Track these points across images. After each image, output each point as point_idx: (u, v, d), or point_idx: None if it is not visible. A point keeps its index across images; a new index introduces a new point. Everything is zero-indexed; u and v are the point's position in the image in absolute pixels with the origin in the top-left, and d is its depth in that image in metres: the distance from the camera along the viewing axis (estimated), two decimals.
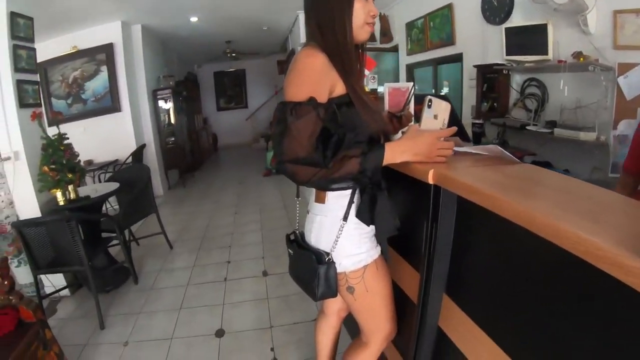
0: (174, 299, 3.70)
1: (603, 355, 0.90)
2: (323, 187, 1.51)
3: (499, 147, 1.49)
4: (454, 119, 1.64)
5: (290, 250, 1.73)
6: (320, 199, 1.58)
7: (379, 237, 1.65)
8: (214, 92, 15.02)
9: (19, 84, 3.66)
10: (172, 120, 8.41)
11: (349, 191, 1.52)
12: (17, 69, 3.65)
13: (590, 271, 0.79)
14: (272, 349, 2.87)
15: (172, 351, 2.95)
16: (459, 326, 1.47)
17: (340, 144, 1.42)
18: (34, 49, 3.92)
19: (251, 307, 3.45)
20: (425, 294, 1.57)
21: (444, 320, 1.57)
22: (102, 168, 6.46)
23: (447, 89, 6.26)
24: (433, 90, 6.48)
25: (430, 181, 1.38)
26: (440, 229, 1.47)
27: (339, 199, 1.54)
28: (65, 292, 3.90)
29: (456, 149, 1.53)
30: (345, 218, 1.53)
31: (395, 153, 1.43)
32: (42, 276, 3.59)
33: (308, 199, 1.70)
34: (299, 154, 1.34)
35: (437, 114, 1.46)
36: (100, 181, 6.16)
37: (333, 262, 1.55)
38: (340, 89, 1.45)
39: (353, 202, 1.53)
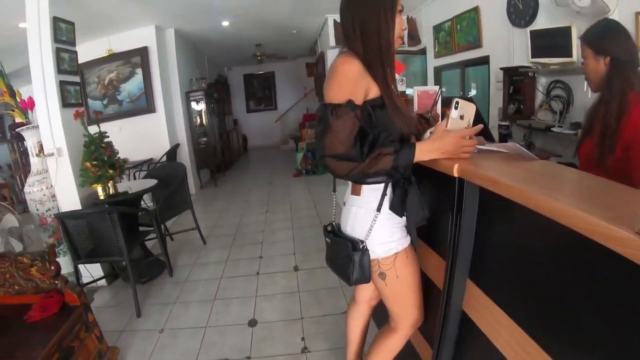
0: (208, 290, 3.84)
1: (615, 329, 0.98)
2: (359, 180, 1.63)
3: (518, 145, 1.58)
4: (479, 119, 1.72)
5: (327, 239, 1.85)
6: (356, 192, 1.71)
7: (409, 226, 1.76)
8: (244, 94, 15.26)
9: (62, 85, 3.87)
10: (204, 121, 8.62)
11: (382, 185, 1.64)
12: (60, 70, 3.87)
13: (603, 253, 0.87)
14: (302, 339, 2.98)
15: (207, 338, 3.09)
16: (481, 309, 1.55)
17: (375, 142, 1.57)
18: (75, 52, 4.14)
19: (282, 300, 3.57)
20: (451, 279, 1.66)
21: (468, 303, 1.66)
22: (137, 166, 6.69)
23: (475, 91, 6.26)
24: (460, 93, 6.49)
25: (455, 174, 1.48)
26: (464, 219, 1.56)
27: (373, 192, 1.66)
28: (102, 282, 4.11)
29: (479, 147, 1.63)
30: (378, 209, 1.65)
31: (424, 151, 1.54)
32: (81, 267, 3.75)
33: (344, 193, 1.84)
34: (338, 150, 1.50)
35: (463, 114, 1.56)
36: (135, 179, 6.38)
37: (367, 250, 1.68)
38: (374, 92, 1.57)
39: (386, 194, 1.65)
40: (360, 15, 1.55)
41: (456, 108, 1.55)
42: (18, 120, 4.10)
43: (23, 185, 7.99)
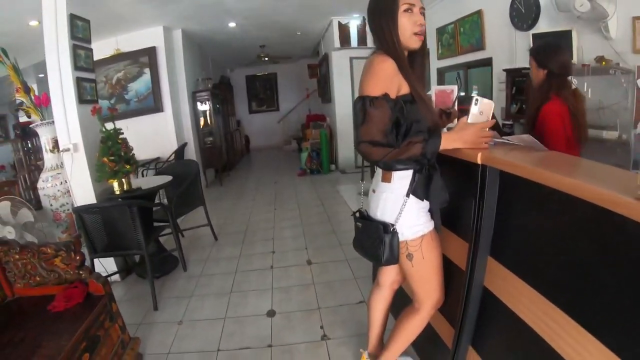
0: (224, 284, 3.89)
1: (624, 284, 1.12)
2: (390, 166, 1.72)
3: (531, 137, 1.79)
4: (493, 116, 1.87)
5: (358, 224, 1.97)
6: (386, 179, 1.84)
7: (433, 209, 1.88)
8: (246, 95, 15.36)
9: (79, 82, 3.91)
10: (210, 121, 8.68)
11: (411, 173, 1.77)
12: (76, 67, 3.91)
13: (608, 220, 1.09)
14: (321, 327, 3.04)
15: (226, 328, 3.13)
16: (502, 282, 1.69)
17: (408, 131, 1.72)
18: (91, 49, 4.18)
19: (298, 291, 3.62)
20: (474, 258, 1.79)
21: (489, 279, 1.79)
22: (144, 165, 6.71)
23: (476, 92, 6.34)
24: (462, 93, 6.57)
25: (479, 162, 1.64)
26: (486, 201, 1.70)
27: (402, 180, 1.80)
28: (116, 277, 4.14)
29: (495, 140, 1.83)
30: (407, 194, 1.78)
31: (449, 141, 1.70)
32: (95, 262, 3.77)
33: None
34: (376, 137, 1.65)
35: (483, 110, 1.71)
36: (143, 177, 6.41)
37: (396, 232, 1.81)
38: (405, 89, 1.73)
39: (414, 181, 1.77)
40: (373, 23, 1.78)
41: (476, 104, 1.70)
42: (24, 120, 4.15)
43: (27, 185, 8.06)
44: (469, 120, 1.71)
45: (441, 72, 7.34)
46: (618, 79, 3.58)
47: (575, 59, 3.93)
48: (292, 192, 7.78)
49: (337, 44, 8.24)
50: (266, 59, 11.43)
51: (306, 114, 13.68)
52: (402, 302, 2.20)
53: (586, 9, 3.58)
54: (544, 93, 2.59)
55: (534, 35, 4.34)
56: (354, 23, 8.15)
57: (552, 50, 2.67)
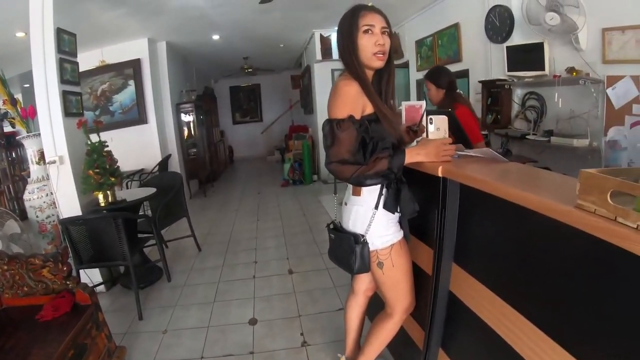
0: (207, 293, 3.97)
1: (569, 290, 1.26)
2: (360, 182, 1.84)
3: (490, 150, 1.94)
4: (457, 127, 2.02)
5: (331, 235, 2.11)
6: (356, 193, 1.97)
7: (402, 219, 2.03)
8: (230, 106, 15.48)
9: (65, 95, 4.00)
10: (193, 133, 8.77)
11: (379, 187, 1.90)
12: (62, 80, 3.99)
13: (553, 227, 1.20)
14: (301, 334, 3.14)
15: (210, 336, 3.22)
16: (466, 286, 1.83)
17: (374, 149, 1.84)
18: (77, 63, 4.27)
19: (280, 300, 3.72)
20: (438, 264, 1.95)
21: (454, 284, 1.94)
22: (129, 176, 6.76)
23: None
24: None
25: (440, 175, 1.79)
26: (448, 211, 1.87)
27: (371, 193, 1.92)
28: (101, 288, 4.19)
29: (458, 152, 1.97)
30: (376, 207, 1.92)
31: (412, 155, 1.84)
32: (81, 272, 3.81)
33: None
34: (344, 156, 1.78)
35: (439, 127, 1.88)
36: (128, 188, 6.46)
37: (367, 242, 1.93)
38: (369, 109, 1.85)
39: (382, 194, 1.91)
40: (338, 45, 1.91)
41: (431, 123, 1.87)
42: (9, 129, 4.19)
43: (11, 195, 8.03)
44: (429, 137, 1.88)
45: (420, 84, 7.49)
46: (588, 88, 3.73)
47: (547, 71, 4.10)
48: (275, 202, 7.87)
49: (318, 56, 8.39)
50: (250, 70, 11.55)
51: (289, 125, 13.80)
52: (378, 307, 2.32)
53: (556, 22, 3.77)
54: (448, 105, 3.27)
55: (508, 48, 4.51)
56: (335, 36, 8.21)
57: (444, 73, 3.55)
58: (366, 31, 1.79)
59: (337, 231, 2.06)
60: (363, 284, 2.37)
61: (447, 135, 1.97)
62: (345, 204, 2.06)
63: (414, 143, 2.00)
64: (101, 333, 2.72)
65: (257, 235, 5.78)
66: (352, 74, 1.83)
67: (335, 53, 8.46)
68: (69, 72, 4.09)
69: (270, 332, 3.21)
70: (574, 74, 3.77)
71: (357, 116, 1.80)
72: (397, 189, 1.88)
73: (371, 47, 1.80)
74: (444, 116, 1.88)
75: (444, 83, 3.44)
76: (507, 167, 1.81)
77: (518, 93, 4.79)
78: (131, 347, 3.13)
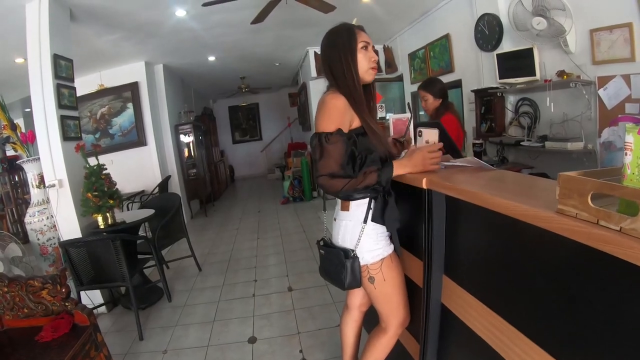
0: (207, 313, 3.98)
1: (557, 298, 1.23)
2: (349, 195, 1.87)
3: (476, 159, 1.97)
4: (445, 139, 2.06)
5: (321, 251, 2.13)
6: (345, 208, 1.99)
7: (389, 231, 2.03)
8: (230, 125, 15.60)
9: (63, 119, 4.05)
10: (193, 153, 8.82)
11: (367, 201, 1.92)
12: (60, 105, 4.05)
13: (542, 235, 1.16)
14: (300, 351, 3.14)
15: (209, 356, 3.22)
16: (456, 298, 1.81)
17: (363, 162, 1.87)
18: (74, 88, 4.34)
19: (279, 318, 3.72)
20: (429, 277, 1.93)
21: (445, 296, 1.92)
22: (129, 198, 6.80)
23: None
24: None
25: (424, 187, 1.78)
26: (434, 223, 1.86)
27: (359, 207, 1.94)
28: (102, 309, 4.22)
29: (445, 163, 1.98)
30: (365, 221, 1.93)
31: (400, 167, 1.86)
32: (82, 294, 3.87)
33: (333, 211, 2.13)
34: (333, 169, 1.79)
35: (428, 139, 1.90)
36: (128, 210, 6.49)
37: (357, 257, 1.94)
38: (356, 122, 1.89)
39: (370, 208, 1.93)
40: (329, 62, 1.92)
41: (420, 135, 1.90)
42: (11, 153, 4.24)
43: (15, 219, 8.08)
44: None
45: (415, 96, 7.54)
46: (580, 91, 3.76)
47: (538, 76, 4.14)
48: (275, 220, 7.88)
49: (313, 73, 8.44)
50: (247, 89, 11.65)
51: (288, 142, 13.87)
52: (377, 318, 2.27)
53: (543, 26, 3.82)
54: (440, 114, 3.57)
55: (499, 56, 4.57)
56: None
57: (438, 81, 3.79)
58: (363, 47, 1.89)
59: (327, 247, 2.08)
60: (357, 299, 2.38)
61: None
62: (335, 219, 2.08)
63: (403, 154, 2.02)
64: (100, 353, 2.72)
65: (257, 253, 5.79)
66: (342, 89, 1.86)
67: None
68: (66, 97, 4.15)
69: (270, 350, 3.21)
70: (565, 77, 3.81)
71: (345, 130, 1.83)
72: (384, 200, 1.91)
73: (367, 62, 1.90)
74: (435, 130, 1.90)
75: (440, 92, 3.65)
76: (494, 175, 1.81)
77: (511, 100, 4.84)
78: None
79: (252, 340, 3.39)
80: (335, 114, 1.82)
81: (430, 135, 1.89)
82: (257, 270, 5.05)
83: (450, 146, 2.23)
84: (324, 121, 1.83)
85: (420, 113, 6.97)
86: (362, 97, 1.90)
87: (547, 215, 1.10)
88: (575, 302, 1.16)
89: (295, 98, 13.47)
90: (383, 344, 2.16)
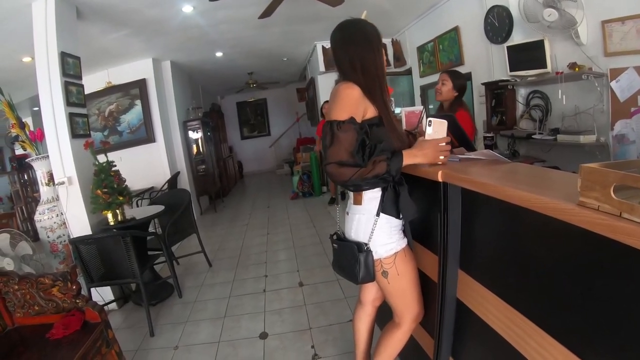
0: (218, 309, 3.98)
1: (576, 293, 1.20)
2: (358, 185, 1.85)
3: (491, 151, 1.94)
4: (457, 130, 2.03)
5: (335, 245, 2.09)
6: (357, 202, 1.96)
7: (404, 222, 2.02)
8: (238, 121, 15.60)
9: (71, 117, 4.05)
10: (202, 149, 8.83)
11: (379, 194, 1.90)
12: (69, 103, 4.06)
13: (562, 228, 1.13)
14: (312, 347, 3.13)
15: (221, 352, 3.22)
16: (472, 293, 1.78)
17: (373, 151, 1.84)
18: (82, 85, 4.33)
19: (290, 313, 3.71)
20: (444, 271, 1.90)
21: (461, 291, 1.89)
22: (138, 195, 6.82)
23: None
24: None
25: (440, 179, 1.75)
26: (450, 216, 1.82)
27: (372, 201, 1.91)
28: (113, 305, 4.23)
29: (460, 156, 1.97)
30: (377, 214, 1.90)
31: (409, 157, 1.84)
32: (93, 291, 3.87)
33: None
34: (343, 157, 1.78)
35: (437, 130, 1.85)
36: (138, 207, 6.50)
37: (370, 251, 1.92)
38: (370, 113, 1.87)
39: (383, 201, 1.90)
40: (358, 55, 1.88)
41: (429, 125, 1.84)
42: (20, 152, 4.25)
43: (24, 217, 8.13)
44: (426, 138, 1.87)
45: (424, 89, 7.52)
46: (592, 83, 3.69)
47: (549, 68, 4.08)
48: (285, 215, 7.87)
49: (322, 67, 8.42)
50: (255, 85, 11.63)
51: (297, 137, 13.86)
52: (389, 314, 2.26)
53: (554, 18, 3.74)
54: (454, 109, 3.42)
55: (509, 48, 4.50)
56: None
57: (464, 77, 3.67)
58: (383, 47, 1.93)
59: (341, 241, 2.06)
60: (370, 294, 2.35)
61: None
62: (347, 213, 2.06)
63: None
64: (112, 350, 2.72)
65: (267, 248, 5.79)
66: (365, 80, 1.86)
67: None
68: (74, 95, 4.15)
69: (281, 346, 3.20)
70: (577, 69, 3.74)
71: (358, 119, 1.82)
72: (395, 191, 1.89)
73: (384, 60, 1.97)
74: (444, 120, 1.86)
75: (460, 86, 3.53)
76: (509, 167, 1.77)
77: (522, 93, 4.77)
78: None
79: (264, 336, 3.38)
80: (348, 103, 1.81)
81: (439, 125, 1.85)
82: (267, 266, 5.04)
83: (464, 140, 2.21)
84: (337, 109, 1.82)
85: (430, 106, 6.94)
86: (386, 88, 1.94)
87: (569, 207, 1.07)
88: (595, 296, 1.13)
89: (303, 93, 13.43)
90: (396, 339, 2.14)
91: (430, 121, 1.82)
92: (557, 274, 1.28)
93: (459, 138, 2.17)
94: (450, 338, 2.02)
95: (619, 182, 0.96)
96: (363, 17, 1.97)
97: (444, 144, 1.83)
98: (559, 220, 1.11)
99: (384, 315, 2.43)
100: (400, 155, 1.82)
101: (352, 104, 1.81)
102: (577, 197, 1.07)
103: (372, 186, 1.86)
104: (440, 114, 3.46)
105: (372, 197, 1.91)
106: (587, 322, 1.16)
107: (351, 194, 2.01)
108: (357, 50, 1.88)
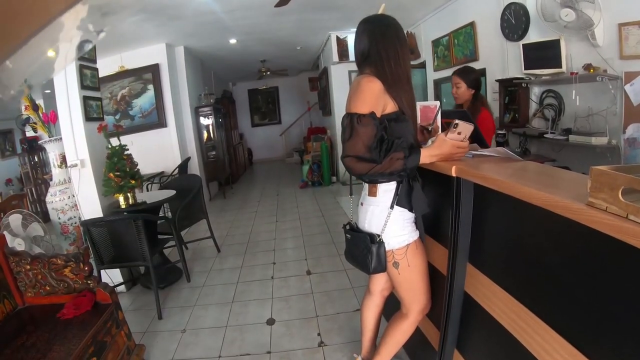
0: (226, 294, 4.02)
1: (582, 290, 1.23)
2: (374, 179, 1.88)
3: (504, 149, 1.95)
4: (475, 130, 2.03)
5: (348, 235, 2.13)
6: (372, 193, 1.99)
7: (416, 216, 2.03)
8: (249, 108, 15.59)
9: (85, 100, 4.07)
10: (213, 136, 8.84)
11: (394, 187, 1.92)
12: (83, 86, 4.07)
13: (571, 227, 1.15)
14: (318, 334, 3.16)
15: (228, 336, 3.26)
16: (480, 287, 1.81)
17: (391, 147, 1.85)
18: (96, 69, 4.35)
19: (297, 301, 3.74)
20: (453, 264, 1.93)
21: (469, 284, 1.92)
22: (149, 179, 6.86)
23: None
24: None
25: (453, 174, 1.79)
26: (462, 211, 1.85)
27: (386, 193, 1.94)
28: (122, 288, 4.27)
29: (474, 152, 1.99)
30: (391, 206, 1.92)
31: (427, 156, 1.85)
32: (102, 273, 3.89)
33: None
34: (360, 151, 1.80)
35: (461, 132, 1.83)
36: (148, 191, 6.54)
37: (383, 242, 1.94)
38: (390, 108, 1.88)
39: (397, 194, 1.92)
40: (387, 49, 1.89)
41: (455, 127, 1.82)
42: (31, 134, 4.27)
43: (34, 198, 8.21)
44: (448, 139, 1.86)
45: (437, 84, 7.46)
46: (606, 85, 3.65)
47: (564, 68, 4.04)
48: (294, 203, 7.91)
49: (335, 58, 8.39)
50: (267, 73, 11.62)
51: (308, 126, 13.85)
52: (395, 306, 2.32)
53: (571, 18, 3.71)
54: (477, 108, 3.42)
55: (525, 46, 4.46)
56: (351, 37, 8.19)
57: (475, 72, 3.57)
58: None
59: (354, 231, 2.08)
60: (379, 284, 2.38)
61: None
62: (362, 204, 2.08)
63: (429, 142, 1.99)
64: (121, 331, 2.77)
65: (275, 236, 5.82)
66: (391, 75, 1.86)
67: (352, 54, 8.50)
68: (89, 78, 4.17)
69: (288, 332, 3.23)
70: (591, 70, 3.70)
71: (378, 114, 1.82)
72: (409, 186, 1.90)
73: None
74: (471, 125, 1.85)
75: (474, 82, 3.48)
76: (521, 165, 1.79)
77: (535, 91, 4.72)
78: (150, 345, 3.20)
79: (271, 322, 3.41)
80: (370, 97, 1.81)
81: (465, 129, 1.84)
82: (275, 253, 5.07)
83: (478, 136, 2.21)
84: (357, 102, 1.82)
85: (444, 100, 6.90)
86: (410, 84, 1.96)
87: (578, 207, 1.10)
88: (600, 293, 1.16)
89: (315, 83, 13.38)
90: (403, 329, 2.18)
91: (457, 124, 1.81)
92: (564, 270, 1.31)
93: (475, 137, 2.16)
94: (456, 330, 2.06)
95: (627, 185, 0.99)
96: (381, 10, 1.95)
97: (464, 146, 1.85)
98: (568, 219, 1.14)
99: (391, 307, 2.47)
100: (418, 153, 1.83)
101: (373, 98, 1.82)
102: (586, 198, 1.10)
103: (389, 180, 1.88)
104: (457, 110, 3.41)
105: (387, 189, 1.93)
106: (591, 318, 1.20)
107: (366, 185, 2.03)
108: (386, 45, 1.89)
